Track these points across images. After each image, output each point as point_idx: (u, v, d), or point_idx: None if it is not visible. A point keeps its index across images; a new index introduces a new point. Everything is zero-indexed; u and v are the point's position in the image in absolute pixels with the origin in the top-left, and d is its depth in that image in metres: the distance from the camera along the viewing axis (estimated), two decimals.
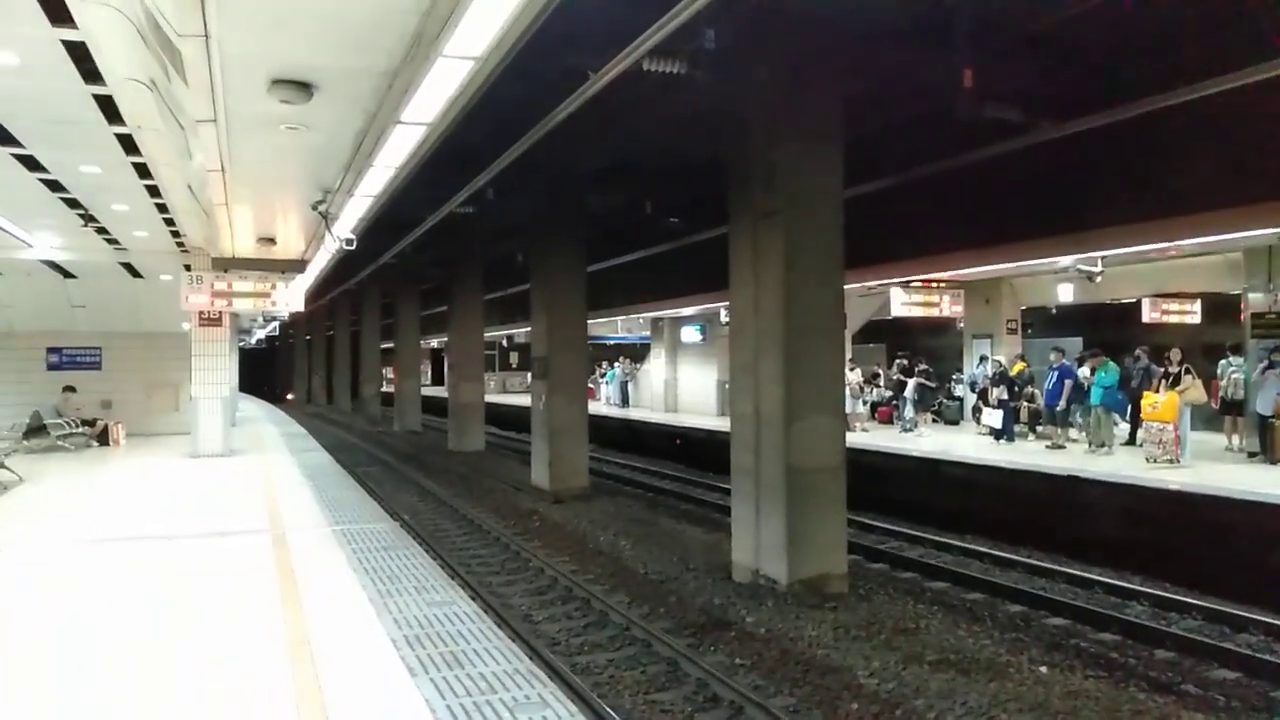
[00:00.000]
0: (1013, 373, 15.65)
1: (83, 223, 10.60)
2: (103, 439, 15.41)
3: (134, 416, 16.40)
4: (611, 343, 37.29)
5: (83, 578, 6.52)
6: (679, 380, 24.68)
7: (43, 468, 12.43)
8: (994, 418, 15.08)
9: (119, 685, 4.35)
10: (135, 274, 14.66)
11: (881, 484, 13.57)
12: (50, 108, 6.31)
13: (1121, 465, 11.83)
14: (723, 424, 15.46)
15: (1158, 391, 12.49)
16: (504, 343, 43.52)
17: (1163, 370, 13.26)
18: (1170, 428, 11.75)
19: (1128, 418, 14.19)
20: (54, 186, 8.82)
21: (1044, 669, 7.08)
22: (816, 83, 9.03)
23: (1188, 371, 12.63)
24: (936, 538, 11.70)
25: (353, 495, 10.68)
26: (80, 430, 15.16)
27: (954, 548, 11.29)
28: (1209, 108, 8.24)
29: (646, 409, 25.71)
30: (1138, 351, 14.41)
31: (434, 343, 44.80)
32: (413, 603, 5.74)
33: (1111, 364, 13.57)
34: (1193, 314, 16.67)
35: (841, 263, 9.44)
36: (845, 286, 9.95)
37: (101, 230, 11.24)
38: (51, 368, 16.21)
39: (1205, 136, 9.20)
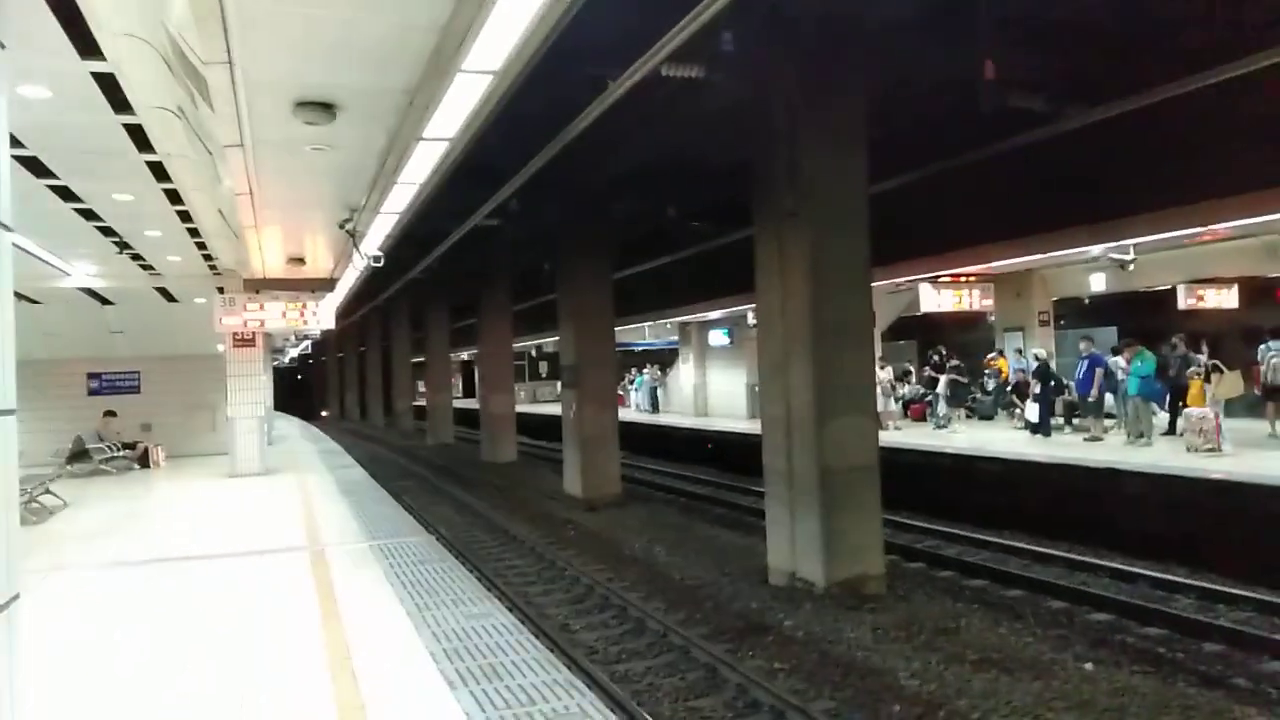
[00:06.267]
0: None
1: (118, 250, 10.79)
2: (144, 461, 15.66)
3: (173, 438, 16.64)
4: (639, 349, 37.25)
5: (128, 600, 6.62)
6: (708, 384, 24.62)
7: (86, 492, 12.65)
8: (1031, 411, 14.89)
9: (165, 704, 4.41)
10: (170, 298, 14.91)
11: (916, 482, 13.43)
12: (82, 138, 6.42)
13: (1161, 455, 11.62)
14: (754, 427, 15.38)
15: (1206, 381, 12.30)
16: (533, 353, 43.69)
17: (1203, 362, 13.03)
18: (1210, 415, 11.53)
19: (1166, 407, 13.94)
20: (89, 215, 8.98)
21: (1089, 666, 6.96)
22: (837, 80, 8.98)
23: (1216, 368, 12.40)
24: (974, 535, 11.56)
25: (388, 510, 10.76)
26: (121, 454, 15.41)
27: (992, 544, 11.14)
28: (1243, 87, 8.09)
29: (677, 414, 25.68)
30: (1174, 340, 14.15)
31: (464, 355, 45.09)
32: (450, 615, 5.76)
33: (1148, 353, 13.34)
34: (1230, 299, 16.34)
35: (868, 260, 9.37)
36: (873, 284, 9.87)
37: (136, 256, 11.45)
38: (92, 393, 16.47)
39: (1240, 117, 9.03)
